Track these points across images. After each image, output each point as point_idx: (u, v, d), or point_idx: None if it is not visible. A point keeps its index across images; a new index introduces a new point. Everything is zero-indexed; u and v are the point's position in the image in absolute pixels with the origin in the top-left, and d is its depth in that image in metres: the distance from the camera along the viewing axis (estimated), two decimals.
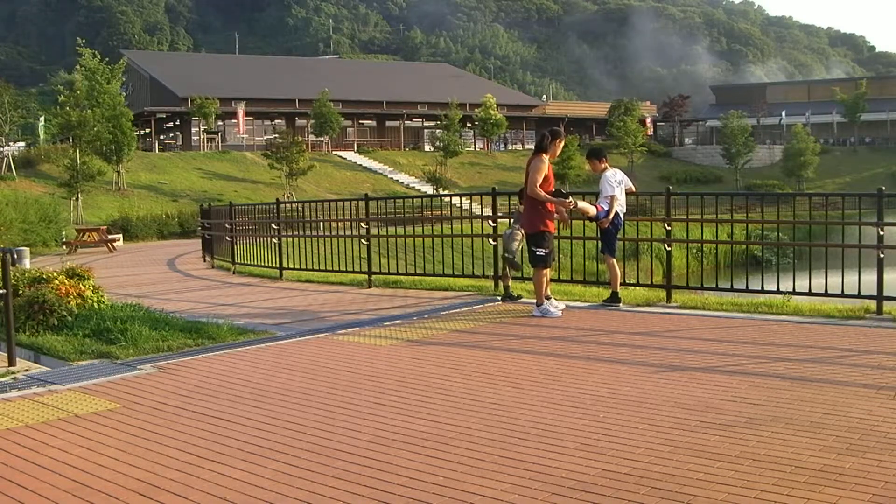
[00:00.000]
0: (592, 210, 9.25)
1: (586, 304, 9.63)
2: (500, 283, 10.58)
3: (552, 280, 11.36)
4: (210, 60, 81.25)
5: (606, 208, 9.27)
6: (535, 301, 9.09)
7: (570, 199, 8.98)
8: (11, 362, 7.20)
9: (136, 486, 4.12)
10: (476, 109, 60.32)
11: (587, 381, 5.95)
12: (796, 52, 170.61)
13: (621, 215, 9.46)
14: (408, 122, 66.64)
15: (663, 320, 8.42)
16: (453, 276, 12.27)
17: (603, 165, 9.51)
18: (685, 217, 10.84)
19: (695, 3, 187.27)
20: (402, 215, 16.96)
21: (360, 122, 65.92)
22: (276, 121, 60.52)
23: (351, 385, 6.10)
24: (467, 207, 21.83)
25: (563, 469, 4.12)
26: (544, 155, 8.88)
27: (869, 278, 8.59)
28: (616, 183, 9.34)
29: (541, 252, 8.86)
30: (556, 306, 9.04)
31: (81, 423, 5.35)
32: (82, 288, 9.24)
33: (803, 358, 6.49)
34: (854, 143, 73.07)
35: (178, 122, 60.29)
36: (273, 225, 15.34)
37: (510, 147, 68.42)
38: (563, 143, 9.14)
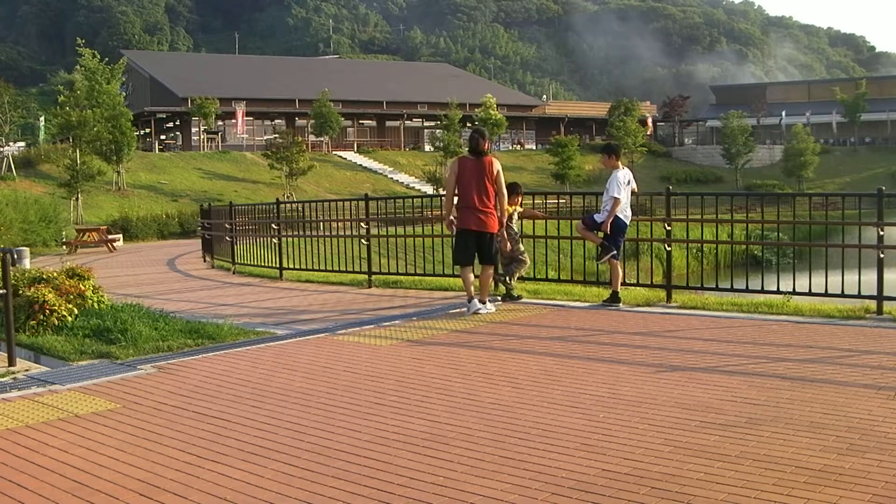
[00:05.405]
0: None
1: (586, 304, 9.61)
2: (501, 284, 10.57)
3: (553, 280, 11.40)
4: (210, 60, 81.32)
5: (606, 209, 9.24)
6: (535, 301, 9.10)
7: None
8: (11, 362, 7.21)
9: (136, 486, 4.12)
10: (476, 109, 60.28)
11: (587, 381, 5.95)
12: (796, 52, 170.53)
13: (625, 218, 9.40)
14: (408, 122, 66.64)
15: (663, 320, 8.42)
16: (453, 276, 12.23)
17: (615, 163, 9.40)
18: (685, 217, 10.82)
19: (695, 3, 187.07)
20: (402, 215, 16.94)
21: (360, 122, 65.94)
22: (276, 121, 60.54)
23: (351, 385, 6.10)
24: None
25: (563, 469, 4.11)
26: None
27: (869, 278, 8.58)
28: (625, 184, 9.28)
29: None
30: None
31: (81, 423, 5.35)
32: (82, 288, 9.23)
33: (803, 358, 6.49)
34: (854, 143, 73.03)
35: (178, 122, 60.31)
36: (273, 225, 15.33)
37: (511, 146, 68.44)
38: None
